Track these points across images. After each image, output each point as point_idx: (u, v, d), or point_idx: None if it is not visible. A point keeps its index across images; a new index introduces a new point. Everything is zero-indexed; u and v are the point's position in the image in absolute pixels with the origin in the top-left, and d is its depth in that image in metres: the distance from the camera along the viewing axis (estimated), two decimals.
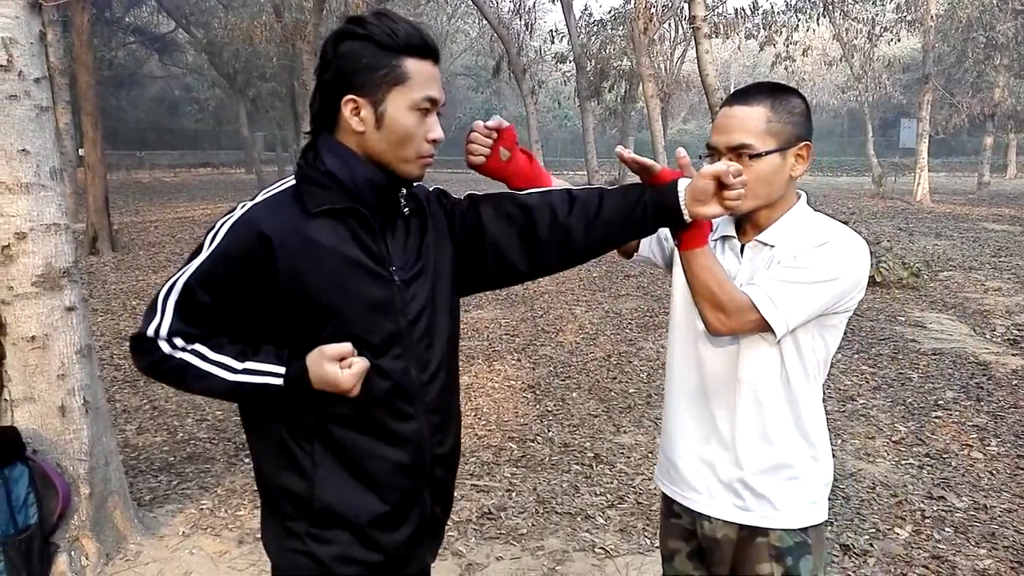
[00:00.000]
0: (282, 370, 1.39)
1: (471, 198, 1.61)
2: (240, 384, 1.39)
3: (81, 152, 13.37)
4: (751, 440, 1.66)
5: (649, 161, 1.49)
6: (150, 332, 1.40)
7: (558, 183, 1.73)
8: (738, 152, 1.57)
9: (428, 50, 1.40)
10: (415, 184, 1.51)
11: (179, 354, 1.41)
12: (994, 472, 4.12)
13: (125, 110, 36.24)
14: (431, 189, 1.62)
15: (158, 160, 36.40)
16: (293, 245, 1.37)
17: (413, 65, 1.38)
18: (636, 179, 1.55)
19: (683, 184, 1.46)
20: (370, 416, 1.45)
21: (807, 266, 1.56)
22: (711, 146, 1.64)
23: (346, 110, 1.38)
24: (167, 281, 1.41)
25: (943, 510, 3.70)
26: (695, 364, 1.73)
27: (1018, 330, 7.05)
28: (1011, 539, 3.42)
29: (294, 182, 1.44)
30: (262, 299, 1.39)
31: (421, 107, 1.39)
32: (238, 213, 1.41)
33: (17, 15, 2.85)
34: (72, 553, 3.09)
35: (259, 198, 1.44)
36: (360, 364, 1.38)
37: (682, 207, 1.45)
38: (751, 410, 1.65)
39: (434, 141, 1.43)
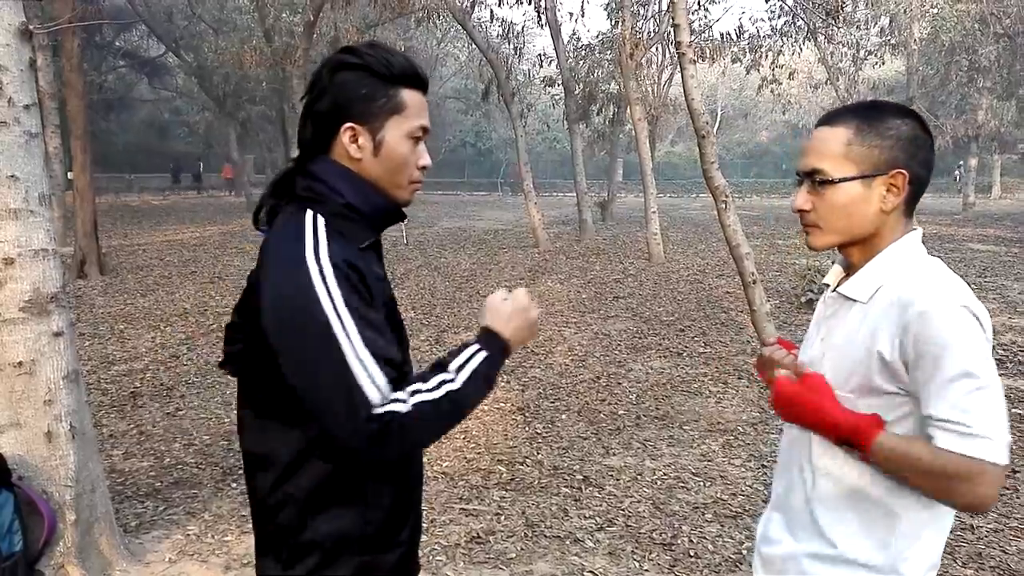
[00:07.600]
0: (476, 345, 1.42)
1: None
2: (471, 377, 1.37)
3: (70, 175, 13.35)
4: None
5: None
6: (376, 409, 1.25)
7: None
8: (812, 178, 1.44)
9: (420, 80, 1.46)
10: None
11: (410, 402, 1.29)
12: None
13: (115, 133, 36.30)
14: None
15: (147, 183, 36.41)
16: (371, 279, 1.37)
17: (408, 95, 1.43)
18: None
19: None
20: None
21: (938, 352, 1.30)
22: (796, 171, 1.51)
23: (345, 137, 1.41)
24: (331, 369, 1.25)
25: None
26: None
27: (1003, 350, 7.10)
28: (997, 559, 3.44)
29: (316, 215, 1.36)
30: None
31: (415, 135, 1.45)
32: (318, 262, 1.29)
33: (8, 43, 2.88)
34: None
35: (317, 241, 1.32)
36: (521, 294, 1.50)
37: None
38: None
39: (424, 167, 1.49)
